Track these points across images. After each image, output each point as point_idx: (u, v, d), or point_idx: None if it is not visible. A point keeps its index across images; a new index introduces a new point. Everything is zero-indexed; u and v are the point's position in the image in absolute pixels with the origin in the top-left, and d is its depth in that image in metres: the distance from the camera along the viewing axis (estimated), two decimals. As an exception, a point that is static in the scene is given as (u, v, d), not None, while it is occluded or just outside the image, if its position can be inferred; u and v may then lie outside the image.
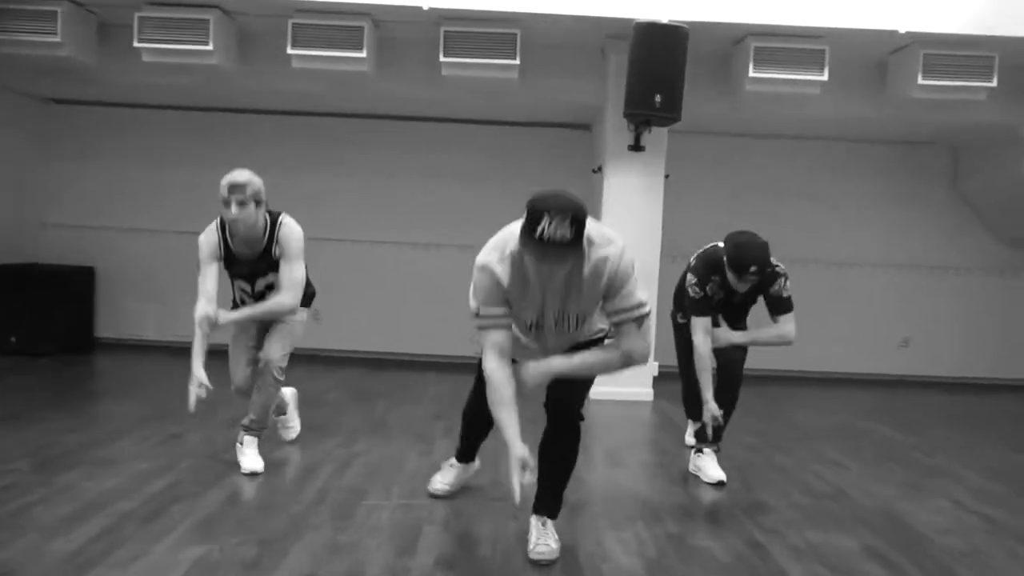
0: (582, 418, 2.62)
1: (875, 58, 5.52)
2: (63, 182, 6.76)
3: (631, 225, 5.23)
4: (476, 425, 3.07)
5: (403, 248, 6.74)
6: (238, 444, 3.50)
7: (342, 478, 3.41)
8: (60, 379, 5.46)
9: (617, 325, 2.40)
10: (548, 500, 2.70)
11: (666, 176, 5.55)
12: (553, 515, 2.71)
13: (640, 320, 2.38)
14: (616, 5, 4.95)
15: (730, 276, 3.38)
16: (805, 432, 4.83)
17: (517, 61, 5.10)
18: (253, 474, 3.37)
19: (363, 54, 5.06)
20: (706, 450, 3.70)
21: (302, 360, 4.44)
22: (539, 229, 2.08)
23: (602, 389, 5.04)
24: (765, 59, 5.11)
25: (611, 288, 2.34)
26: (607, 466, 3.88)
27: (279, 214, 3.39)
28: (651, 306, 2.41)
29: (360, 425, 4.39)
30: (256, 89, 5.77)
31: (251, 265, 3.39)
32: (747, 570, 2.61)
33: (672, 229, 5.71)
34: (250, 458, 3.42)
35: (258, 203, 3.26)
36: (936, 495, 3.59)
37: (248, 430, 3.47)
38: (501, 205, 6.29)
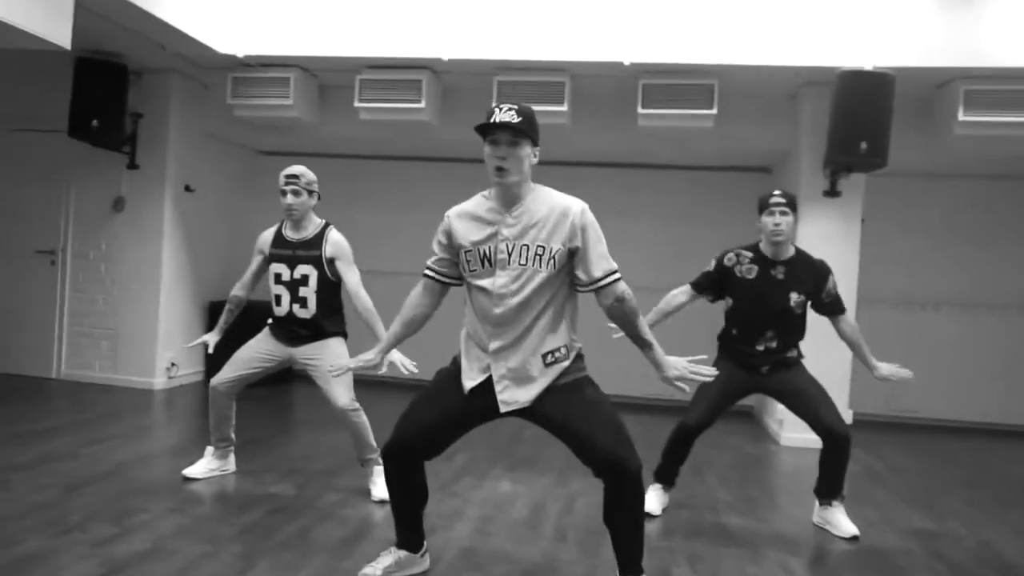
0: (639, 465, 2.38)
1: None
2: (266, 224, 7.39)
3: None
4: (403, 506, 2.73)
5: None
6: (371, 478, 3.70)
7: (572, 515, 3.54)
8: (280, 407, 5.95)
9: (608, 287, 2.43)
10: (629, 562, 2.50)
11: (862, 220, 5.46)
12: (638, 571, 2.51)
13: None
14: (815, 53, 4.98)
15: (763, 219, 3.39)
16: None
17: (714, 111, 5.20)
18: (383, 502, 3.50)
19: (564, 107, 5.33)
20: (835, 503, 3.54)
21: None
22: (490, 116, 2.36)
23: (793, 436, 4.99)
24: (975, 102, 4.97)
25: (585, 242, 2.39)
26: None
27: (328, 222, 3.73)
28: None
29: (568, 463, 4.51)
30: (454, 139, 6.17)
31: (296, 249, 3.63)
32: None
33: (867, 274, 5.58)
34: (379, 487, 3.59)
35: (310, 193, 3.64)
36: None
37: (366, 463, 3.70)
38: (686, 245, 6.20)
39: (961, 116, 4.97)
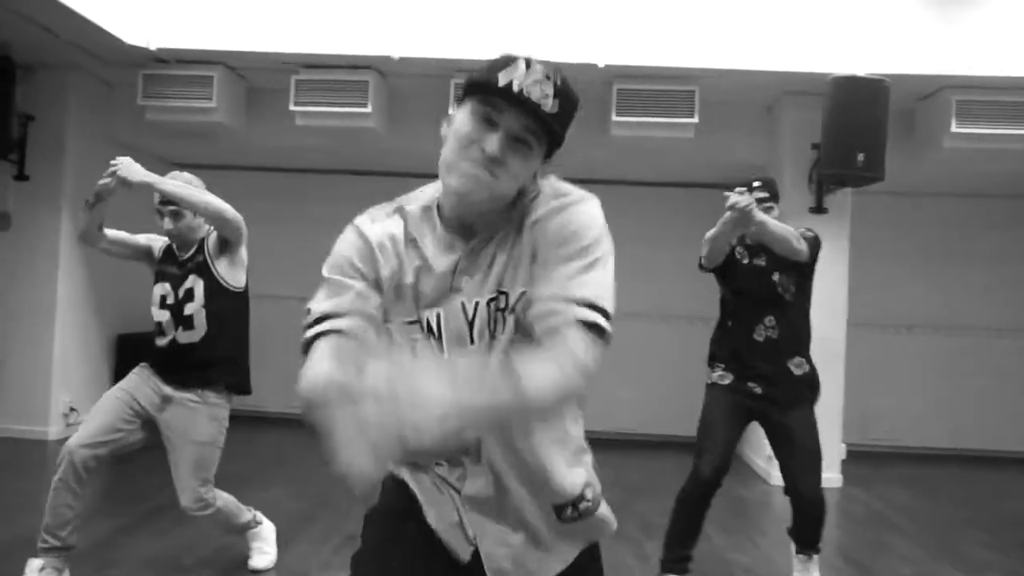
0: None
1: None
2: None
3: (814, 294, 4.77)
4: None
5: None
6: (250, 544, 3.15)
7: None
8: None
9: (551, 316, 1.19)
10: None
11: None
12: None
13: (593, 327, 1.18)
14: (798, 59, 4.61)
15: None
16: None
17: (696, 120, 4.76)
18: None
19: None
20: (814, 556, 3.10)
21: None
22: (507, 73, 1.19)
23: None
24: (967, 113, 4.68)
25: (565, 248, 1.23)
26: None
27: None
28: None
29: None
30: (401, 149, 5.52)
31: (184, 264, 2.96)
32: None
33: (855, 295, 5.22)
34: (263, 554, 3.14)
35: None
36: None
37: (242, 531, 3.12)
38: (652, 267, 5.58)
39: (954, 128, 4.68)
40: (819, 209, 4.95)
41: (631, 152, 5.26)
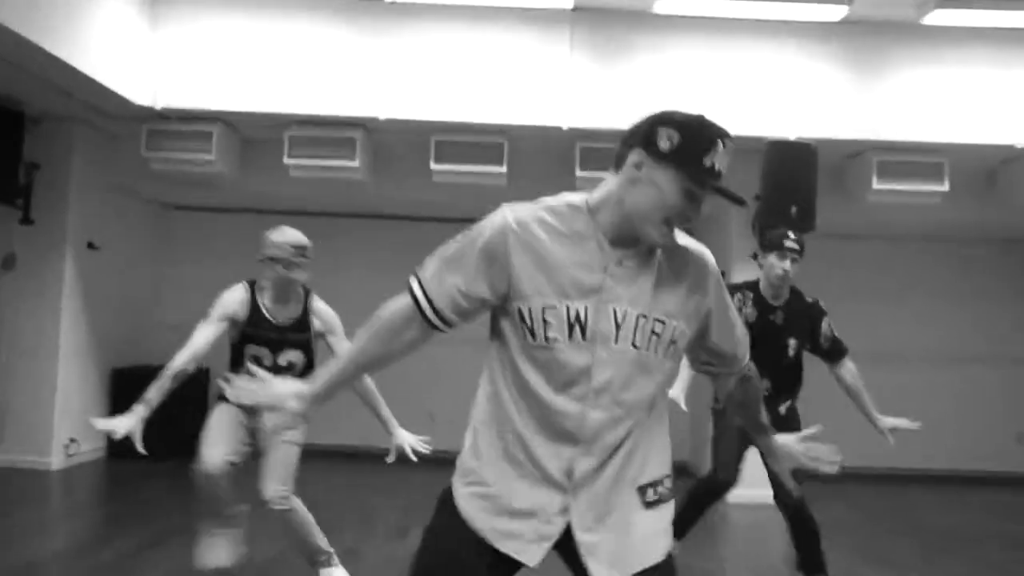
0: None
1: (990, 169, 5.76)
2: (176, 283, 6.92)
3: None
4: None
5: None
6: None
7: None
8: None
9: (733, 375, 1.70)
10: None
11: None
12: None
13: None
14: (736, 124, 5.20)
15: (771, 259, 3.26)
16: (955, 535, 4.86)
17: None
18: None
19: (503, 168, 5.31)
20: None
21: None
22: (711, 157, 1.40)
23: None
24: (887, 171, 5.34)
25: (722, 313, 1.59)
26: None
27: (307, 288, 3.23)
28: None
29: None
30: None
31: (281, 333, 3.13)
32: None
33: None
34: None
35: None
36: None
37: (317, 564, 3.22)
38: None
39: (875, 185, 5.33)
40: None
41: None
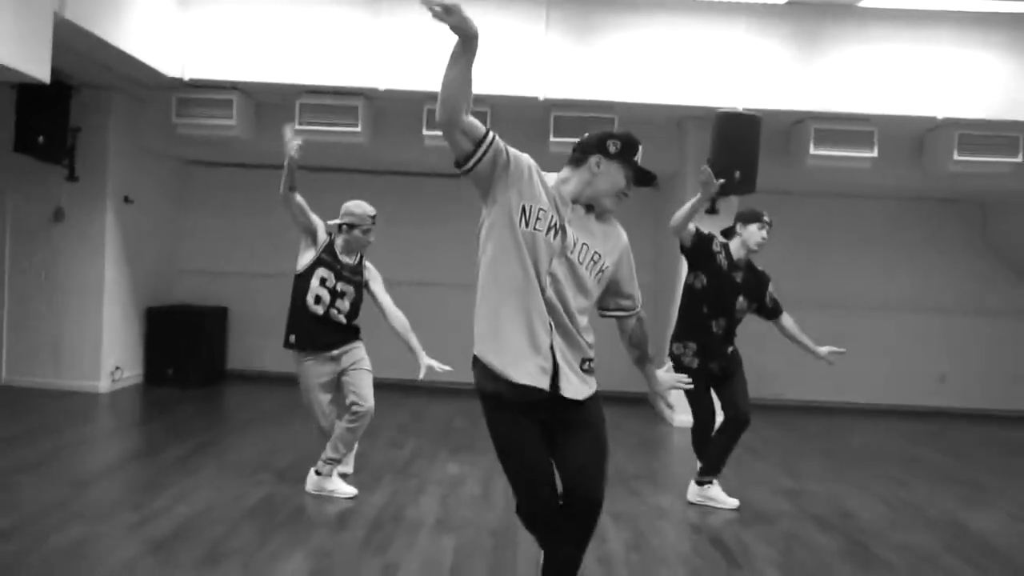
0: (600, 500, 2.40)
1: (916, 136, 6.50)
2: (198, 233, 7.74)
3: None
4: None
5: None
6: (329, 477, 4.05)
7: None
8: (221, 407, 6.40)
9: (630, 311, 2.53)
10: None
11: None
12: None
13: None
14: (693, 95, 5.96)
15: (751, 228, 4.00)
16: (867, 455, 5.77)
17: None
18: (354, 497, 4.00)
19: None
20: (715, 481, 4.18)
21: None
22: (638, 155, 2.40)
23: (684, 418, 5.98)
24: (823, 139, 6.10)
25: (628, 268, 2.48)
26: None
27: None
28: None
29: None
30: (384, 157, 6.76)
31: (343, 270, 4.00)
32: (856, 560, 3.52)
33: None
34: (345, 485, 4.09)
35: None
36: (990, 507, 4.47)
37: (329, 462, 4.04)
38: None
39: (812, 151, 6.09)
40: (712, 211, 6.33)
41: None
